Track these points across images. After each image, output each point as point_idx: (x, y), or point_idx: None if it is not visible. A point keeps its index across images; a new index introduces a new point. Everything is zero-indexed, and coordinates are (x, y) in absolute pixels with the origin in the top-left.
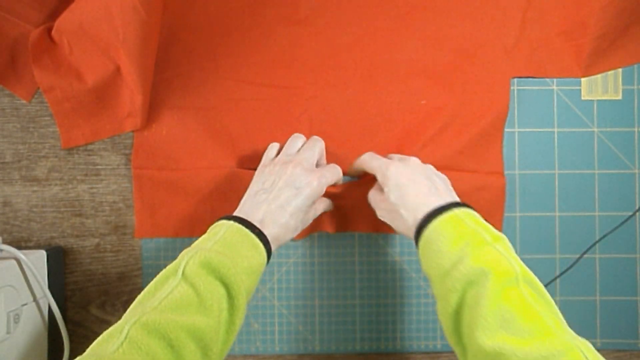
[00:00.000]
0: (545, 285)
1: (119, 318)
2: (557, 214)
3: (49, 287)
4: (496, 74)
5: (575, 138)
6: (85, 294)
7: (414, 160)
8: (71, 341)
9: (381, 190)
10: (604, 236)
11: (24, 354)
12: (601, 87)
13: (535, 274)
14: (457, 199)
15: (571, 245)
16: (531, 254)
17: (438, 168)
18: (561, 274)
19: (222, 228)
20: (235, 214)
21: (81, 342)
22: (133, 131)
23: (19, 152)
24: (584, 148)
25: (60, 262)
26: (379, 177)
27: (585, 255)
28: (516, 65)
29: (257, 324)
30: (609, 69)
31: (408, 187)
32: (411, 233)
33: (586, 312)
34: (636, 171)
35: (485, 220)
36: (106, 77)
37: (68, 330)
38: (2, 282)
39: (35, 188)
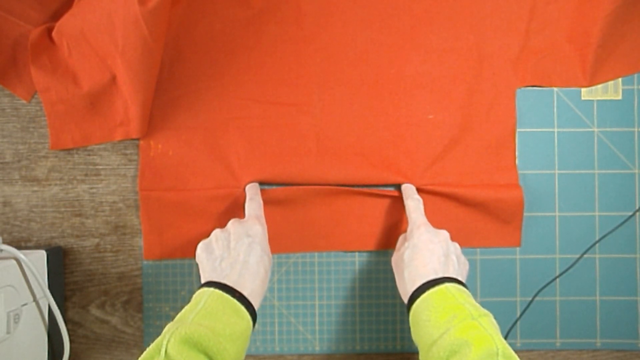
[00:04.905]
0: (545, 286)
1: (119, 318)
2: (557, 214)
3: (49, 287)
4: (502, 86)
5: (575, 138)
6: (85, 294)
7: (444, 233)
8: (71, 341)
9: (405, 239)
10: (604, 236)
11: (24, 354)
12: (601, 87)
13: (535, 274)
14: (461, 279)
15: (571, 245)
16: (531, 254)
17: (449, 186)
18: (561, 274)
19: (204, 296)
20: (213, 280)
21: (81, 342)
22: (139, 153)
23: (19, 152)
24: (584, 148)
25: (60, 262)
26: (408, 228)
27: (585, 255)
28: (521, 76)
29: (257, 324)
30: (613, 78)
31: (420, 253)
32: (405, 299)
33: (586, 312)
34: (636, 171)
35: (503, 227)
36: (102, 85)
37: (68, 330)
38: (2, 282)
39: (35, 188)
